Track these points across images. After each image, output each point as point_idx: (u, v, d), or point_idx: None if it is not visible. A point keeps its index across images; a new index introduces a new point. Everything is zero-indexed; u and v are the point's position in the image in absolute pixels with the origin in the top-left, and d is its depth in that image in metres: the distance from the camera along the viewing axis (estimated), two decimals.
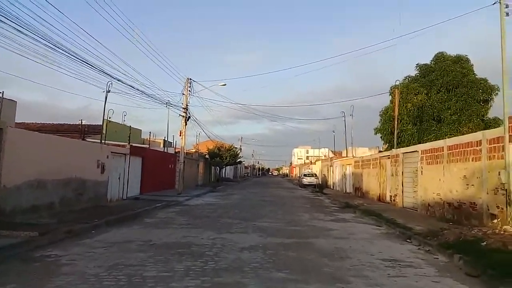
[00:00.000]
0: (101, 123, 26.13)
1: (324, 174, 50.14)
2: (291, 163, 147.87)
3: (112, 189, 20.56)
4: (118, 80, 19.15)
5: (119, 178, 21.59)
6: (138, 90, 20.66)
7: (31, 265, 6.99)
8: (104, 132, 23.03)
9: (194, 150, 46.03)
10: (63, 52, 15.64)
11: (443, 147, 16.15)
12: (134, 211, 15.45)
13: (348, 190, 34.90)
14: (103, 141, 20.03)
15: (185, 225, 12.41)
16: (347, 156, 39.27)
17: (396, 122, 24.68)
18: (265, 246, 9.03)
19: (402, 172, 20.90)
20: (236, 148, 58.25)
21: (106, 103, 19.27)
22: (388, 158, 23.64)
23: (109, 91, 18.75)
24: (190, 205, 20.10)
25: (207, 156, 49.38)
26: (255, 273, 6.64)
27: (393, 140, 29.19)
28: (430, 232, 11.11)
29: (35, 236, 9.44)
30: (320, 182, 46.32)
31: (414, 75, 30.20)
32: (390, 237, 11.24)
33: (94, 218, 12.69)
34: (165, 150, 33.13)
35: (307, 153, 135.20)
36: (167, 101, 27.51)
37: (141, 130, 32.57)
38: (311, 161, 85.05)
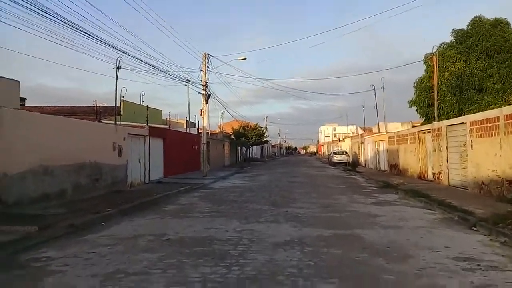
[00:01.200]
0: (118, 104, 25.03)
1: (354, 152, 47.99)
2: (318, 141, 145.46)
3: (133, 173, 19.35)
4: (128, 55, 17.58)
5: (139, 161, 20.36)
6: (150, 65, 19.03)
7: (11, 273, 5.59)
8: (120, 113, 21.81)
9: (218, 131, 44.64)
10: (74, 28, 14.28)
11: (498, 116, 13.95)
12: (154, 197, 14.11)
13: (382, 168, 32.83)
14: (118, 122, 18.67)
15: (207, 213, 10.92)
16: (379, 132, 37.00)
17: (436, 92, 22.36)
18: (302, 241, 7.39)
19: (447, 147, 18.79)
20: (261, 127, 56.56)
21: (120, 81, 17.77)
22: (429, 132, 21.49)
23: (119, 68, 17.25)
24: (215, 188, 18.69)
25: (232, 136, 47.95)
26: (294, 285, 5.03)
27: (432, 113, 26.95)
28: (497, 217, 9.19)
29: (33, 232, 8.14)
30: (351, 160, 44.28)
31: (449, 41, 27.54)
32: (449, 224, 9.41)
33: (107, 206, 11.39)
34: (188, 131, 31.77)
35: (334, 130, 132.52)
36: (186, 79, 26.04)
37: (161, 110, 31.23)
38: (339, 139, 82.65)
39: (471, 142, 15.87)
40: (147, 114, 21.69)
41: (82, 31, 14.88)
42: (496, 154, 13.88)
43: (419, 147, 23.21)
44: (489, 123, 14.64)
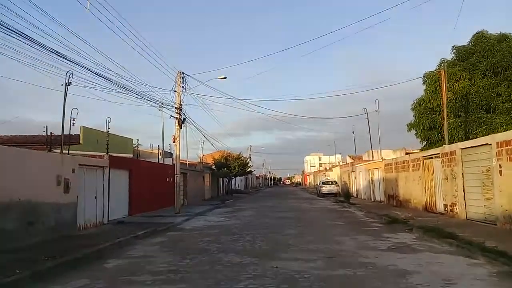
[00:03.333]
0: (79, 133, 21.63)
1: (344, 181, 44.99)
2: (303, 171, 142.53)
3: (86, 213, 15.82)
4: (82, 66, 14.35)
5: (95, 197, 16.85)
6: (107, 79, 15.75)
7: None
8: (79, 141, 18.49)
9: (198, 161, 41.26)
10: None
11: None
12: (100, 246, 10.62)
13: (378, 198, 29.76)
14: (70, 152, 15.29)
15: (161, 276, 7.47)
16: (372, 159, 34.18)
17: (445, 110, 19.61)
18: None
19: (463, 174, 15.87)
20: (245, 157, 53.34)
21: (67, 104, 14.47)
22: (437, 157, 18.61)
23: (69, 84, 14.02)
24: (185, 230, 15.21)
25: (213, 167, 44.56)
26: None
27: (433, 137, 24.40)
28: None
29: None
30: (342, 190, 41.19)
31: (450, 59, 25.25)
32: None
33: (24, 265, 7.90)
34: (162, 162, 28.34)
35: (320, 160, 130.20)
36: (160, 103, 22.88)
37: (131, 139, 27.85)
38: (326, 168, 79.81)
39: (500, 167, 12.93)
40: (107, 140, 18.25)
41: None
42: None
43: (424, 174, 20.26)
44: None
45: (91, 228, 15.88)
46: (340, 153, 78.10)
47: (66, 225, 13.81)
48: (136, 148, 28.49)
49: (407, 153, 36.10)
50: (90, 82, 15.52)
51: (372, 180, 31.58)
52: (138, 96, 19.99)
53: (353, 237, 11.99)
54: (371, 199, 31.49)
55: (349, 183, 42.05)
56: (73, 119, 14.88)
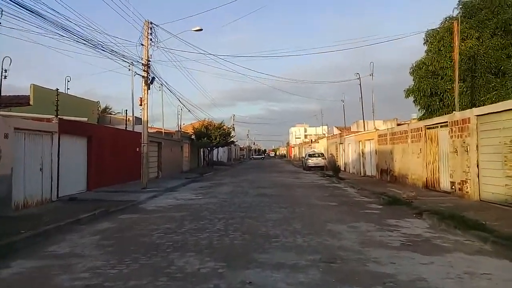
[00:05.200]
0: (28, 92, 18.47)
1: (331, 154, 42.60)
2: (288, 143, 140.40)
3: (27, 188, 13.03)
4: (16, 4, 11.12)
5: (41, 169, 13.98)
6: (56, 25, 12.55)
7: None
8: (29, 102, 15.57)
9: (175, 130, 38.28)
10: None
11: None
12: (16, 237, 7.86)
13: (369, 173, 27.44)
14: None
15: None
16: (364, 130, 31.71)
17: (456, 70, 17.00)
18: None
19: (477, 146, 13.41)
20: (228, 127, 50.38)
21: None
22: (444, 126, 16.11)
23: None
24: (145, 211, 12.47)
25: (193, 137, 41.66)
26: None
27: (434, 104, 21.81)
28: None
29: None
30: (329, 163, 38.88)
31: (455, 15, 22.41)
32: None
33: None
34: (132, 129, 25.34)
35: (305, 131, 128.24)
36: (130, 62, 19.70)
37: (96, 102, 24.59)
38: (311, 140, 77.52)
39: None
40: (56, 100, 15.16)
41: None
42: None
43: (426, 147, 17.80)
44: None
45: (33, 206, 13.12)
46: (326, 125, 75.65)
47: None
48: (100, 113, 25.34)
49: (398, 124, 33.77)
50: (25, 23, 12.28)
51: (363, 153, 29.17)
52: (101, 50, 16.80)
53: (351, 225, 9.45)
54: (361, 174, 29.19)
55: (337, 156, 39.71)
56: (5, 71, 11.81)
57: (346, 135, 36.57)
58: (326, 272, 5.72)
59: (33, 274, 5.87)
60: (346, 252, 6.85)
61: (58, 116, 15.09)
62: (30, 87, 18.37)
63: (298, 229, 9.00)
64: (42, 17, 11.71)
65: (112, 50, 16.10)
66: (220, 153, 61.18)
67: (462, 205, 12.35)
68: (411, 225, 9.58)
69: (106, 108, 54.23)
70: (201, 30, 19.72)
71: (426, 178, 17.79)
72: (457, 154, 14.72)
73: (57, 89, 15.30)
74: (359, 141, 30.09)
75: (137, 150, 22.73)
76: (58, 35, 13.22)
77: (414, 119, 32.53)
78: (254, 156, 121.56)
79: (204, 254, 6.80)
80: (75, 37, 13.64)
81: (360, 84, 32.07)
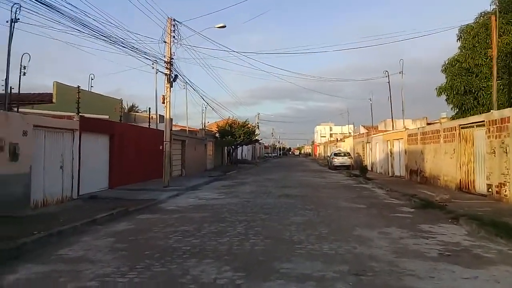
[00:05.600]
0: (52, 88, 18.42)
1: (357, 153, 41.62)
2: (313, 142, 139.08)
3: (47, 186, 12.88)
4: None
5: (61, 167, 13.82)
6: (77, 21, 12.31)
7: None
8: (52, 100, 15.47)
9: (200, 128, 38.06)
10: None
11: None
12: (29, 237, 7.55)
13: (397, 173, 26.44)
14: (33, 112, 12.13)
15: None
16: (392, 129, 30.67)
17: (494, 66, 16.03)
18: None
19: None
20: (252, 125, 49.83)
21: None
22: (480, 125, 15.15)
23: (16, 21, 10.69)
24: (164, 211, 12.07)
25: (217, 135, 41.38)
26: None
27: (468, 102, 20.70)
28: None
29: None
30: (356, 163, 37.94)
31: (491, 10, 21.20)
32: None
33: None
34: (155, 127, 25.15)
35: (331, 130, 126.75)
36: (154, 59, 19.41)
37: (119, 100, 24.47)
38: (337, 139, 76.31)
39: None
40: (78, 98, 14.97)
41: None
42: None
43: (460, 147, 16.84)
44: None
45: (52, 205, 12.95)
46: (352, 123, 74.24)
47: (12, 202, 10.79)
48: (127, 111, 25.21)
49: (428, 124, 32.55)
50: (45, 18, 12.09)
51: (391, 153, 28.17)
52: (124, 47, 16.52)
53: (382, 231, 8.77)
54: (389, 174, 28.21)
55: (364, 155, 38.70)
56: (24, 68, 11.63)
57: (373, 134, 35.50)
58: (356, 287, 5.12)
59: (37, 281, 5.49)
60: (377, 263, 6.22)
61: (80, 114, 14.90)
62: (53, 84, 18.33)
63: (325, 234, 8.39)
64: (59, 12, 11.42)
65: (133, 46, 15.68)
66: (244, 152, 60.83)
67: (501, 209, 11.49)
68: (447, 231, 8.83)
69: (132, 106, 54.72)
70: (224, 27, 19.23)
71: (460, 179, 16.83)
72: (494, 155, 13.77)
73: (79, 86, 15.10)
74: (387, 141, 29.08)
75: (161, 148, 22.50)
76: (77, 31, 12.89)
77: (443, 118, 31.37)
78: (268, 154, 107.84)
79: (223, 261, 6.30)
80: (94, 32, 13.25)
81: (389, 82, 30.89)
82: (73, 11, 17.15)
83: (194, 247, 7.25)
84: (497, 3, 20.81)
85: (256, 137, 51.31)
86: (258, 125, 60.74)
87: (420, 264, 6.18)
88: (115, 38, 14.49)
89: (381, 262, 6.29)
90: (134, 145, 20.07)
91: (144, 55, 16.75)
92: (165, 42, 18.04)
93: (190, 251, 6.94)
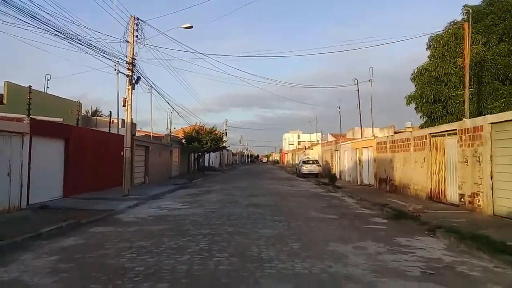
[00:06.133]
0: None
1: (326, 161, 41.40)
2: (281, 149, 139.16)
3: None
4: None
5: (8, 174, 12.55)
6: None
7: None
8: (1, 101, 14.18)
9: (165, 134, 36.85)
10: None
11: None
12: None
13: (366, 182, 26.18)
14: None
15: None
16: (361, 137, 30.53)
17: (467, 75, 15.90)
18: None
19: (491, 156, 12.20)
20: (220, 132, 48.87)
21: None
22: (452, 134, 14.92)
23: None
24: (121, 223, 11.01)
25: (183, 142, 40.24)
26: None
27: (437, 111, 20.68)
28: None
29: None
30: (323, 171, 37.65)
31: (461, 19, 21.39)
32: None
33: None
34: (117, 132, 23.88)
35: (299, 138, 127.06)
36: (117, 59, 18.25)
37: (77, 102, 23.00)
38: (305, 147, 76.28)
39: None
40: (29, 99, 13.72)
41: None
42: None
43: (431, 156, 16.59)
44: None
45: None
46: (321, 131, 74.50)
47: None
48: (90, 115, 23.82)
49: (396, 132, 32.62)
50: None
51: (360, 161, 27.93)
52: (81, 44, 15.31)
53: (357, 245, 8.13)
54: (357, 182, 27.94)
55: (332, 163, 38.49)
56: None
57: (341, 142, 35.34)
58: None
59: None
60: (356, 285, 5.53)
61: (31, 116, 13.66)
62: (4, 84, 16.92)
63: (296, 249, 7.66)
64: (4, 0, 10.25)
65: (90, 44, 14.56)
66: (211, 158, 59.72)
67: (476, 220, 11.14)
68: (426, 245, 8.29)
69: (96, 110, 52.73)
70: (191, 27, 18.33)
71: (431, 189, 16.56)
72: (467, 165, 13.50)
73: (30, 86, 13.87)
74: (356, 149, 28.87)
75: (122, 154, 21.30)
76: (24, 23, 11.70)
77: (408, 127, 31.52)
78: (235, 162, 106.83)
79: (179, 285, 5.43)
80: (45, 26, 12.10)
81: (358, 90, 30.84)
82: (22, 1, 15.74)
83: (149, 267, 6.35)
84: (467, 13, 21.01)
85: (224, 144, 50.36)
86: (226, 132, 59.87)
87: (403, 285, 5.54)
88: (71, 34, 13.32)
89: (360, 283, 5.61)
90: (93, 151, 18.84)
91: (103, 54, 15.60)
92: (127, 41, 16.99)
93: (143, 273, 6.03)
